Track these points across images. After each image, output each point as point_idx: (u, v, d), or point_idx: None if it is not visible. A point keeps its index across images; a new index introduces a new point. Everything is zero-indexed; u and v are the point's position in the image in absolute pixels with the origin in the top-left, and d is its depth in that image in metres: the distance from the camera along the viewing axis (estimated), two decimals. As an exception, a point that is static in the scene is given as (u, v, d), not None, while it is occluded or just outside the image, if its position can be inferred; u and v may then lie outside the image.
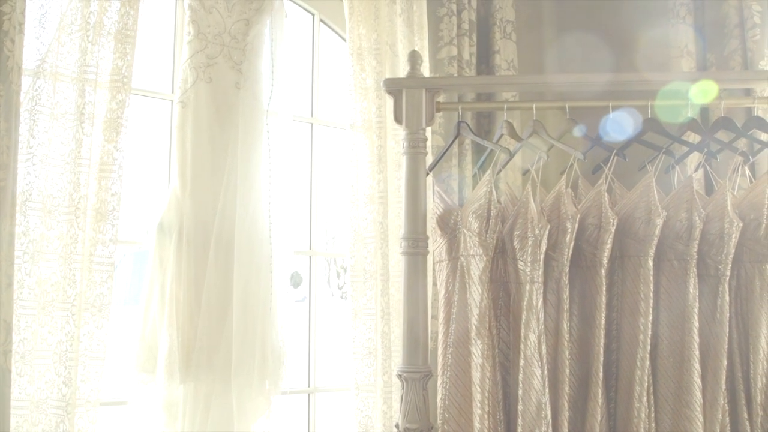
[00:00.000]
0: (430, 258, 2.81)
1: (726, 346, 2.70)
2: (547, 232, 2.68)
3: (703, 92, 2.77)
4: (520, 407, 2.63)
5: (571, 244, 2.71)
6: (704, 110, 3.44)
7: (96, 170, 2.56)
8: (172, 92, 3.01)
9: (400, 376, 2.68)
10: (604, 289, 2.72)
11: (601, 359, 2.69)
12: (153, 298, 2.77)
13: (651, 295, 2.70)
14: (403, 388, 2.67)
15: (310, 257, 3.37)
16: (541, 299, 2.68)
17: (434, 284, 3.00)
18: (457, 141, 3.08)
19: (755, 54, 3.41)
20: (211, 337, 2.79)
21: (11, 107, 2.28)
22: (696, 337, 2.67)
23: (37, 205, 2.45)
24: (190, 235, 2.81)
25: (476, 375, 2.67)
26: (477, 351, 2.68)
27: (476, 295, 2.71)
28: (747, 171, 2.97)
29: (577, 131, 2.88)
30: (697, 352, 2.67)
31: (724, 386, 2.69)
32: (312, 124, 3.42)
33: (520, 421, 2.62)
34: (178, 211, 2.82)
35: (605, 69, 3.48)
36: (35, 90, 2.47)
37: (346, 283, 3.18)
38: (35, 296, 2.43)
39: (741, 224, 2.71)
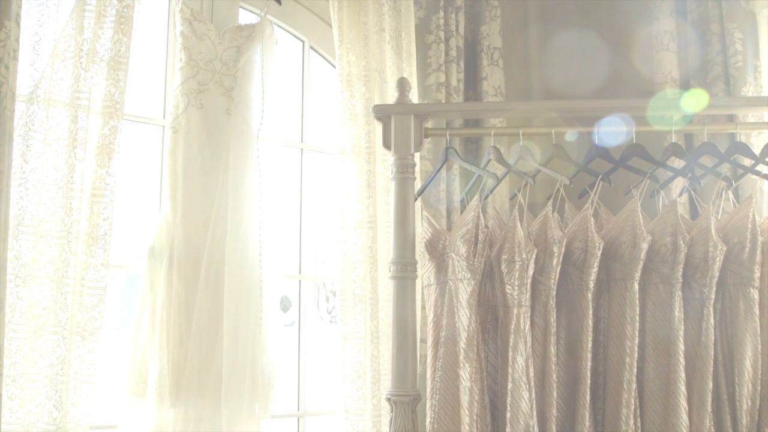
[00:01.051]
0: (418, 282, 2.83)
1: (711, 369, 2.72)
2: (534, 256, 2.71)
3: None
4: (508, 430, 2.64)
5: (558, 268, 2.74)
6: (688, 136, 3.50)
7: (88, 195, 2.58)
8: (164, 118, 3.03)
9: (389, 400, 2.69)
10: (590, 312, 2.74)
11: (588, 382, 2.71)
12: (143, 321, 2.78)
13: (637, 318, 2.72)
14: (392, 412, 2.68)
15: (300, 281, 3.39)
16: (528, 323, 2.71)
17: (423, 308, 3.02)
18: (445, 166, 3.12)
19: (737, 80, 3.46)
20: (202, 360, 2.80)
21: (5, 133, 2.29)
22: (682, 360, 2.70)
23: (29, 229, 2.47)
24: (181, 260, 2.83)
25: (465, 398, 2.69)
26: (465, 374, 2.70)
27: (464, 318, 2.73)
28: (730, 195, 3.01)
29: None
30: (683, 375, 2.70)
31: (710, 409, 2.71)
32: (302, 149, 3.45)
33: (508, 444, 2.64)
34: (169, 236, 2.84)
35: (591, 95, 3.55)
36: (29, 116, 2.49)
37: (336, 307, 3.20)
38: (27, 320, 2.44)
39: (725, 248, 2.75)
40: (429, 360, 2.83)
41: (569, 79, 3.70)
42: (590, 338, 2.73)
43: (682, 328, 2.73)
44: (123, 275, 2.96)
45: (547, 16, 3.87)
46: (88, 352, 2.53)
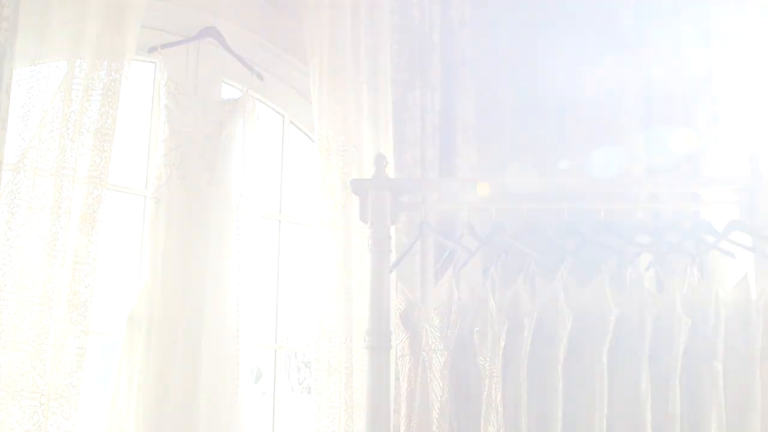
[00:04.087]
0: (393, 352, 2.87)
1: (678, 441, 2.77)
2: (505, 328, 2.76)
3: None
4: (479, 501, 2.66)
5: (529, 340, 2.78)
6: (656, 214, 3.60)
7: (70, 263, 2.59)
8: (146, 188, 3.09)
9: (362, 469, 2.71)
10: (560, 384, 2.78)
11: (559, 453, 2.74)
12: (120, 389, 2.79)
13: (605, 390, 2.77)
14: (365, 481, 2.70)
15: (275, 351, 3.42)
16: (500, 394, 2.74)
17: (397, 378, 3.05)
18: (420, 240, 3.18)
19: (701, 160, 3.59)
20: (177, 430, 2.81)
21: (-9, 201, 2.35)
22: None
23: (11, 295, 2.48)
24: (160, 328, 2.85)
25: (437, 468, 2.71)
26: (438, 444, 2.72)
27: (437, 389, 2.76)
28: (695, 271, 3.09)
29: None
30: (650, 447, 2.74)
31: (677, 481, 2.75)
32: (280, 220, 3.51)
33: None
34: (148, 304, 2.87)
35: (561, 173, 3.66)
36: (15, 184, 2.53)
37: (308, 377, 3.22)
38: (5, 386, 2.44)
39: (689, 321, 2.82)
40: (402, 430, 2.85)
41: (541, 156, 3.81)
42: (560, 409, 2.76)
43: (649, 400, 2.77)
44: (101, 342, 2.98)
45: (520, 95, 4.00)
46: (64, 419, 2.52)
